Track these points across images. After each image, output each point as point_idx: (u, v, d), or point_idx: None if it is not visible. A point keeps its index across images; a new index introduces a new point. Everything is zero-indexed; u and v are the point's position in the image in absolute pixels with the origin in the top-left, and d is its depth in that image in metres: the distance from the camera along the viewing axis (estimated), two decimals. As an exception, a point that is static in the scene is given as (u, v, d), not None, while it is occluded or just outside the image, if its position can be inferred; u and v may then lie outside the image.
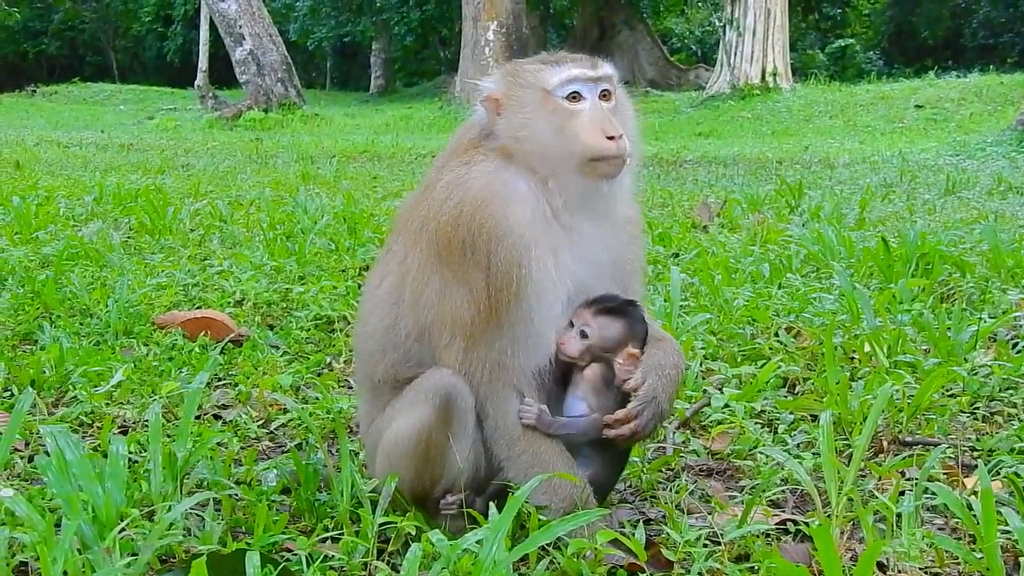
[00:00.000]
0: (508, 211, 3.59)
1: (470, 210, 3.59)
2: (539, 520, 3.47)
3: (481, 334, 3.59)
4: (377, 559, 3.48)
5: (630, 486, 4.36)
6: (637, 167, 3.87)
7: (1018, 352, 5.85)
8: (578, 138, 3.60)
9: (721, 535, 3.63)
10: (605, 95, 3.70)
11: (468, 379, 3.65)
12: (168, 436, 4.32)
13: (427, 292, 3.70)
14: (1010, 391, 5.31)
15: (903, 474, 4.25)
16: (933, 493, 3.68)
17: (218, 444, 4.53)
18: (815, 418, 4.83)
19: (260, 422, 5.22)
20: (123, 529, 3.36)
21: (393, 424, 3.74)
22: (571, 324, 3.72)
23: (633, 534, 3.47)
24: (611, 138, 3.60)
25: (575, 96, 3.65)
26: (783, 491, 4.18)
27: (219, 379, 5.86)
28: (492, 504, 3.40)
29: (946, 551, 3.42)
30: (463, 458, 3.66)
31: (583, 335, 3.70)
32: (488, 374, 3.62)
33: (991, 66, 44.17)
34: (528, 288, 3.57)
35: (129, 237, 9.99)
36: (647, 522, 3.87)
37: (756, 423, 4.98)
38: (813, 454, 4.45)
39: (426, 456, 3.64)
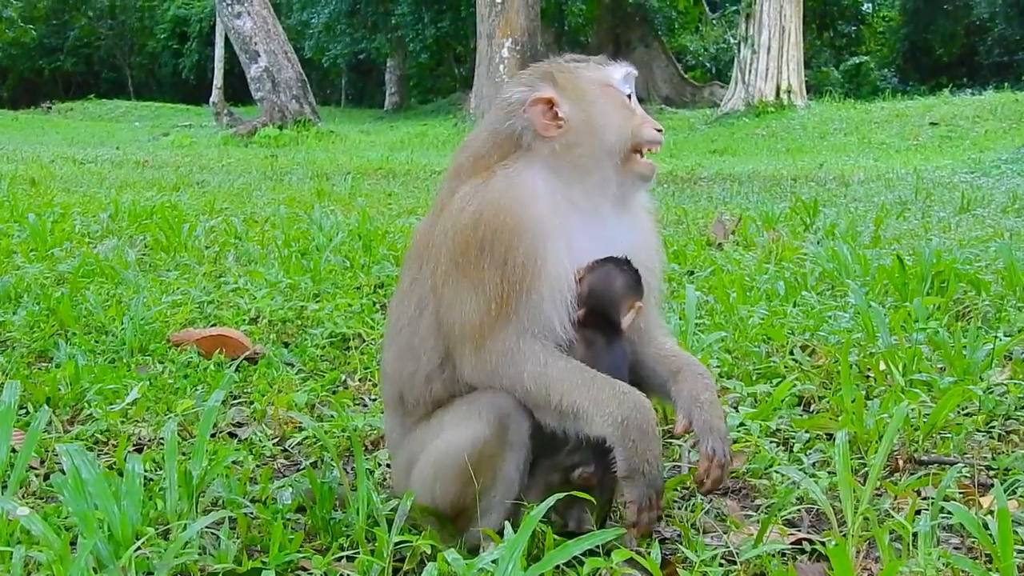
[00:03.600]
0: (528, 210, 3.63)
1: (491, 212, 3.62)
2: (555, 539, 3.47)
3: (489, 331, 3.60)
4: (392, 578, 3.48)
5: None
6: None
7: (1034, 371, 5.84)
8: (640, 128, 3.82)
9: (737, 554, 3.63)
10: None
11: (480, 379, 3.67)
12: (183, 454, 4.33)
13: (443, 305, 3.74)
14: (1026, 410, 5.30)
15: (919, 493, 4.24)
16: (949, 512, 3.67)
17: (233, 462, 4.54)
18: (831, 437, 4.83)
19: (275, 440, 5.23)
20: (139, 548, 3.37)
21: (443, 436, 3.73)
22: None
23: (649, 553, 3.46)
24: (658, 131, 3.86)
25: (631, 94, 3.87)
26: (799, 510, 4.18)
27: (234, 397, 5.87)
28: (507, 523, 3.41)
29: (962, 571, 3.40)
30: (517, 468, 3.67)
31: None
32: (496, 364, 3.63)
33: (1006, 84, 44.13)
34: (540, 280, 3.60)
35: (144, 254, 10.00)
36: (662, 541, 3.87)
37: (771, 442, 4.98)
38: (829, 473, 4.45)
39: (477, 468, 3.63)
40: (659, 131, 3.85)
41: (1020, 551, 3.55)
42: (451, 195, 3.80)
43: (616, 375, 3.70)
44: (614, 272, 3.75)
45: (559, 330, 3.67)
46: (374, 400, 5.77)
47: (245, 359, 6.28)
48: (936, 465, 4.63)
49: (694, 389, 3.78)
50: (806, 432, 5.05)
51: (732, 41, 46.40)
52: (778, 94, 42.57)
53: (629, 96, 3.85)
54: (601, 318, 3.76)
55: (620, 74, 3.87)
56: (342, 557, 3.64)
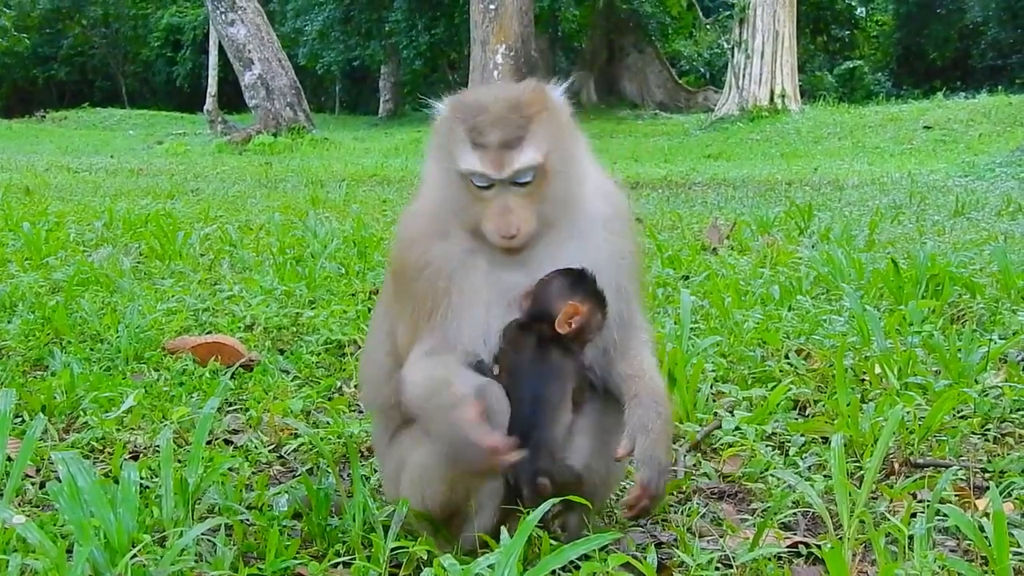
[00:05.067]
0: (429, 248, 3.62)
1: (403, 247, 3.70)
2: (551, 544, 3.47)
3: (405, 358, 3.67)
4: (389, 584, 3.48)
5: (641, 509, 4.35)
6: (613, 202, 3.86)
7: (1029, 373, 5.85)
8: (480, 221, 3.54)
9: (733, 558, 3.62)
10: (519, 183, 3.54)
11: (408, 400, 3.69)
12: (179, 461, 4.33)
13: (393, 327, 3.82)
14: (1021, 412, 5.30)
15: (915, 496, 4.23)
16: (945, 515, 3.67)
17: (229, 469, 4.53)
18: (826, 440, 4.82)
19: (271, 447, 5.22)
20: (135, 555, 3.36)
21: (426, 439, 3.73)
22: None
23: (645, 558, 3.46)
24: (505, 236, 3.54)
25: (485, 186, 3.54)
26: (795, 514, 4.18)
27: (230, 404, 5.86)
28: (504, 528, 3.40)
29: (958, 573, 3.40)
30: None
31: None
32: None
33: (1000, 87, 44.33)
34: (441, 307, 3.59)
35: (139, 262, 9.99)
36: (659, 545, 3.86)
37: (767, 445, 4.97)
38: (824, 476, 4.45)
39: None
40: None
41: (1016, 553, 3.55)
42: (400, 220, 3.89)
43: (541, 383, 3.68)
44: (553, 274, 3.67)
45: (472, 352, 3.66)
46: (370, 406, 5.77)
47: (240, 366, 6.27)
48: (932, 468, 4.63)
49: (645, 417, 3.68)
50: (802, 436, 5.05)
51: (726, 46, 46.49)
52: (772, 99, 42.70)
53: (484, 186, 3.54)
54: (541, 323, 3.73)
55: (467, 166, 3.52)
56: (338, 563, 3.64)
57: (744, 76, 43.45)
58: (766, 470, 4.67)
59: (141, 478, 4.17)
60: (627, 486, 4.48)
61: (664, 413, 3.72)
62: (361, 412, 5.68)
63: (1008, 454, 4.76)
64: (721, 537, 3.91)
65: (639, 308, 3.96)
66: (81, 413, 5.49)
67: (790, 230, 12.48)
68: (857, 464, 4.65)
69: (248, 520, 3.99)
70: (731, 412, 5.38)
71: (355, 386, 6.15)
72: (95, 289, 8.31)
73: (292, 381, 6.23)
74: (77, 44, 72.59)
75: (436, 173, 3.69)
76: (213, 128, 43.68)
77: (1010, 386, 5.49)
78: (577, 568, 3.38)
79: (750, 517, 4.23)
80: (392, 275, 3.78)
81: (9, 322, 7.20)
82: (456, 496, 3.65)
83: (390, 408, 3.89)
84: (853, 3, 61.91)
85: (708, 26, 54.96)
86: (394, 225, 4.10)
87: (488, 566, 3.17)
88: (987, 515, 3.63)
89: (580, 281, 3.69)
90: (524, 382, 3.66)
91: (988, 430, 5.12)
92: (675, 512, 4.28)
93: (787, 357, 6.34)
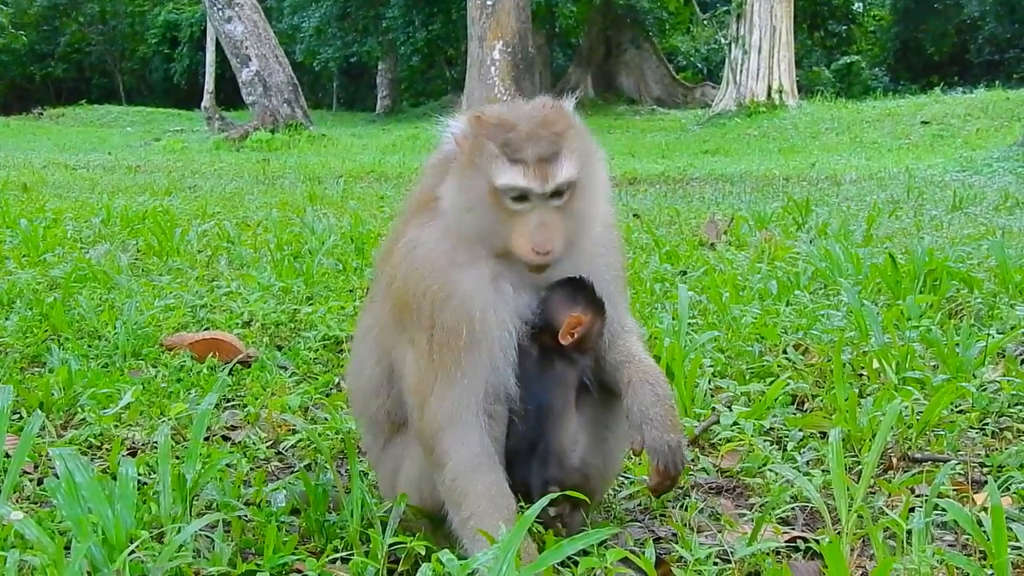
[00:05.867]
0: (451, 277, 3.56)
1: (417, 276, 3.59)
2: (554, 540, 3.47)
3: (428, 392, 3.57)
4: (387, 580, 3.48)
5: (639, 504, 4.36)
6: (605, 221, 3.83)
7: (1027, 368, 5.85)
8: (511, 238, 3.51)
9: (731, 553, 3.62)
10: (557, 194, 3.52)
11: (422, 440, 3.65)
12: (177, 458, 4.33)
13: (394, 352, 3.77)
14: (1019, 407, 5.30)
15: (913, 491, 4.24)
16: (943, 509, 3.67)
17: (227, 465, 4.53)
18: (824, 435, 4.83)
19: (269, 443, 5.22)
20: (133, 551, 3.36)
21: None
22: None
23: (643, 552, 3.46)
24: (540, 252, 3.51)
25: (521, 198, 3.49)
26: (793, 508, 4.18)
27: (228, 400, 5.86)
28: (502, 524, 3.40)
29: (957, 567, 3.40)
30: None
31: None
32: (432, 434, 3.60)
33: (997, 82, 44.33)
34: (475, 339, 3.54)
35: (137, 259, 9.99)
36: (657, 540, 3.87)
37: (765, 440, 4.98)
38: (823, 471, 4.45)
39: None
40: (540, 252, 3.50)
41: (1014, 547, 3.55)
42: (399, 237, 3.78)
43: (546, 393, 3.72)
44: (553, 285, 3.69)
45: (505, 386, 3.63)
46: (367, 402, 5.76)
47: (238, 362, 6.28)
48: (930, 462, 4.64)
49: (644, 403, 3.68)
50: (800, 431, 5.05)
51: (723, 41, 46.50)
52: (769, 94, 42.71)
53: (520, 198, 3.49)
54: (543, 334, 3.72)
55: (505, 182, 3.46)
56: (336, 559, 3.63)
57: (741, 71, 43.45)
58: (764, 465, 4.68)
59: (139, 474, 4.17)
60: (625, 481, 4.50)
61: (662, 393, 3.73)
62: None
63: (1006, 448, 4.76)
64: (719, 532, 3.92)
65: (627, 313, 4.00)
66: (79, 409, 5.48)
67: (788, 225, 12.47)
68: (855, 459, 4.64)
69: (246, 516, 3.99)
70: (729, 407, 5.39)
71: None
72: (93, 286, 8.30)
73: (290, 377, 6.22)
74: (74, 41, 72.48)
75: (461, 193, 3.55)
76: (210, 125, 43.61)
77: (1008, 380, 5.50)
78: (576, 563, 3.38)
79: (748, 512, 4.23)
80: (398, 303, 3.66)
81: (7, 319, 7.19)
82: None
83: (382, 417, 3.89)
84: (850, -2, 62.02)
85: (705, 21, 55.01)
86: (389, 235, 3.99)
87: (486, 561, 3.17)
88: (985, 509, 3.62)
89: (580, 291, 3.72)
90: (529, 392, 3.68)
91: (986, 425, 5.12)
92: (673, 507, 4.29)
93: (785, 352, 6.34)
